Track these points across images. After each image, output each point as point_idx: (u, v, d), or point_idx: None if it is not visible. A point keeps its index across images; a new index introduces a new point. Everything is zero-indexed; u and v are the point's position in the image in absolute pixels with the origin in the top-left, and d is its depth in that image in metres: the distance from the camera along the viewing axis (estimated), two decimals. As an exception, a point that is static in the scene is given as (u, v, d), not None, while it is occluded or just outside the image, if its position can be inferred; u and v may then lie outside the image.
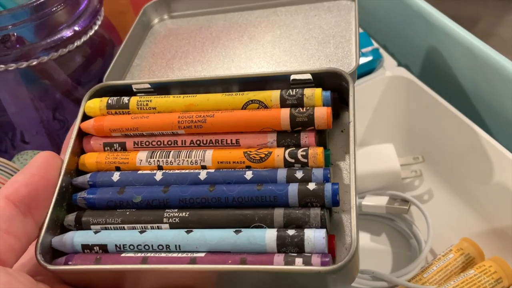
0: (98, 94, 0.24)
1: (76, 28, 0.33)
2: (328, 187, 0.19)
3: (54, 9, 0.31)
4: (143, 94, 0.24)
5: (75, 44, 0.33)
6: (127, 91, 0.24)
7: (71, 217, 0.21)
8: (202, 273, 0.18)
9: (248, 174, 0.20)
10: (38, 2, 0.31)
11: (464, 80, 0.40)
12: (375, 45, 0.43)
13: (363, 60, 0.41)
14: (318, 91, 0.22)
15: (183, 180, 0.21)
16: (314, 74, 0.22)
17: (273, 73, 0.23)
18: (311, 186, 0.19)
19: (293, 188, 0.19)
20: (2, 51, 0.31)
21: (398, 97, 0.41)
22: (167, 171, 0.21)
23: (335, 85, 0.22)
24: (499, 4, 0.71)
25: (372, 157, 0.39)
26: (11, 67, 0.31)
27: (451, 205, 0.38)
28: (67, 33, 0.32)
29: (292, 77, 0.23)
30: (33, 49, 0.31)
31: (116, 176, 0.21)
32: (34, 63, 0.31)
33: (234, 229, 0.19)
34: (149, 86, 0.24)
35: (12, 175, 0.31)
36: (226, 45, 0.28)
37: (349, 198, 0.20)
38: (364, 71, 0.41)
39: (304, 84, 0.23)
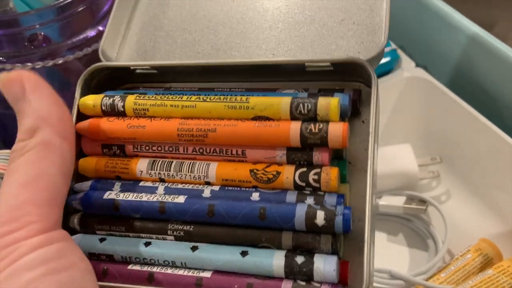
0: (94, 76, 0.23)
1: (100, 28, 0.34)
2: (339, 223, 0.18)
3: (79, 9, 0.32)
4: (142, 70, 0.23)
5: (99, 43, 0.34)
6: (126, 73, 0.23)
7: (76, 220, 0.20)
8: None
9: (255, 196, 0.19)
10: (64, 3, 0.31)
11: (482, 80, 0.40)
12: (393, 46, 0.43)
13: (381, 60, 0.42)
14: (334, 104, 0.19)
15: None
16: (332, 63, 0.20)
17: (286, 61, 0.21)
18: (320, 221, 0.18)
19: (299, 222, 0.18)
20: (29, 49, 0.31)
21: (415, 97, 0.41)
22: (169, 184, 0.20)
23: (357, 73, 0.21)
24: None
25: (389, 157, 0.39)
26: (37, 65, 0.32)
27: (469, 205, 0.38)
28: (92, 32, 0.33)
29: (307, 64, 0.21)
30: (59, 48, 0.32)
31: (117, 188, 0.21)
32: (60, 61, 0.32)
33: (241, 250, 0.18)
34: (149, 68, 0.23)
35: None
36: (238, 9, 0.25)
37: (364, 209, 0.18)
38: (382, 72, 0.42)
39: (321, 69, 0.21)
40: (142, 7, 0.27)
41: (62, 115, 0.18)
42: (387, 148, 0.40)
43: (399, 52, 0.43)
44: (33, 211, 0.15)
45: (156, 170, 0.20)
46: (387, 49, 0.42)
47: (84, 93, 0.22)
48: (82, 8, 0.32)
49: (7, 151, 0.32)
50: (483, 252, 0.33)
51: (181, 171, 0.20)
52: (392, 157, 0.39)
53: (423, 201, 0.37)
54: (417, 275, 0.33)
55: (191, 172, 0.20)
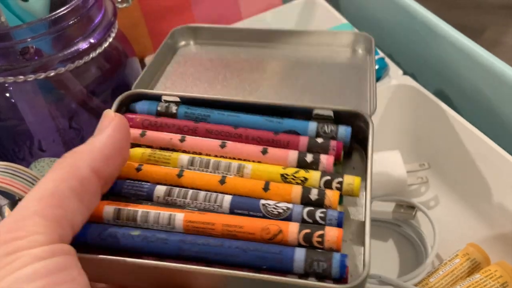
0: (127, 101, 0.25)
1: (92, 41, 0.34)
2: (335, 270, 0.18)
3: (70, 22, 0.33)
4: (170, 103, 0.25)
5: (91, 55, 0.34)
6: (156, 101, 0.25)
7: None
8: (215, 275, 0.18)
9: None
10: (55, 16, 0.32)
11: (469, 88, 0.40)
12: (381, 54, 0.44)
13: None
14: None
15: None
16: (336, 112, 0.23)
17: (296, 105, 0.23)
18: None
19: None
20: (21, 62, 0.32)
21: (403, 105, 0.42)
22: (190, 202, 0.21)
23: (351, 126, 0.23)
24: (507, 13, 0.72)
25: (378, 164, 0.39)
26: (30, 78, 0.32)
27: (457, 211, 0.39)
28: (83, 45, 0.34)
29: (315, 111, 0.23)
30: (50, 61, 0.33)
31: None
32: (52, 74, 0.33)
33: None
34: (178, 99, 0.25)
35: (29, 182, 0.33)
36: (244, 77, 0.30)
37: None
38: (370, 80, 0.42)
39: (324, 119, 0.23)
40: (172, 65, 0.32)
41: (110, 157, 0.19)
42: (376, 154, 0.40)
43: (387, 60, 0.44)
44: (40, 223, 0.16)
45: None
46: (375, 58, 0.43)
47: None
48: (73, 21, 0.33)
49: (4, 163, 0.33)
50: (471, 257, 0.34)
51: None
52: (381, 163, 0.40)
53: (412, 207, 0.38)
54: (407, 280, 0.33)
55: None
